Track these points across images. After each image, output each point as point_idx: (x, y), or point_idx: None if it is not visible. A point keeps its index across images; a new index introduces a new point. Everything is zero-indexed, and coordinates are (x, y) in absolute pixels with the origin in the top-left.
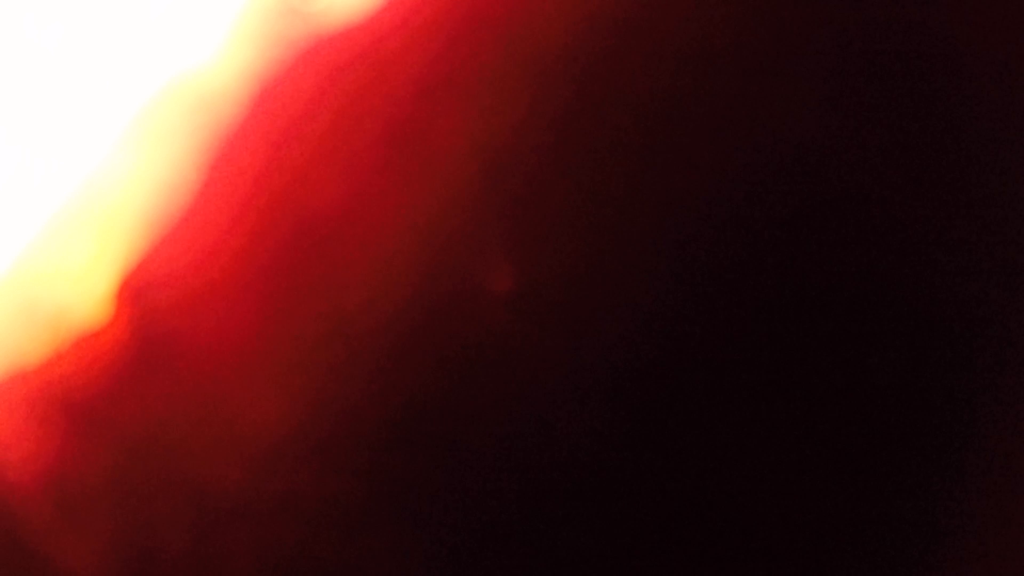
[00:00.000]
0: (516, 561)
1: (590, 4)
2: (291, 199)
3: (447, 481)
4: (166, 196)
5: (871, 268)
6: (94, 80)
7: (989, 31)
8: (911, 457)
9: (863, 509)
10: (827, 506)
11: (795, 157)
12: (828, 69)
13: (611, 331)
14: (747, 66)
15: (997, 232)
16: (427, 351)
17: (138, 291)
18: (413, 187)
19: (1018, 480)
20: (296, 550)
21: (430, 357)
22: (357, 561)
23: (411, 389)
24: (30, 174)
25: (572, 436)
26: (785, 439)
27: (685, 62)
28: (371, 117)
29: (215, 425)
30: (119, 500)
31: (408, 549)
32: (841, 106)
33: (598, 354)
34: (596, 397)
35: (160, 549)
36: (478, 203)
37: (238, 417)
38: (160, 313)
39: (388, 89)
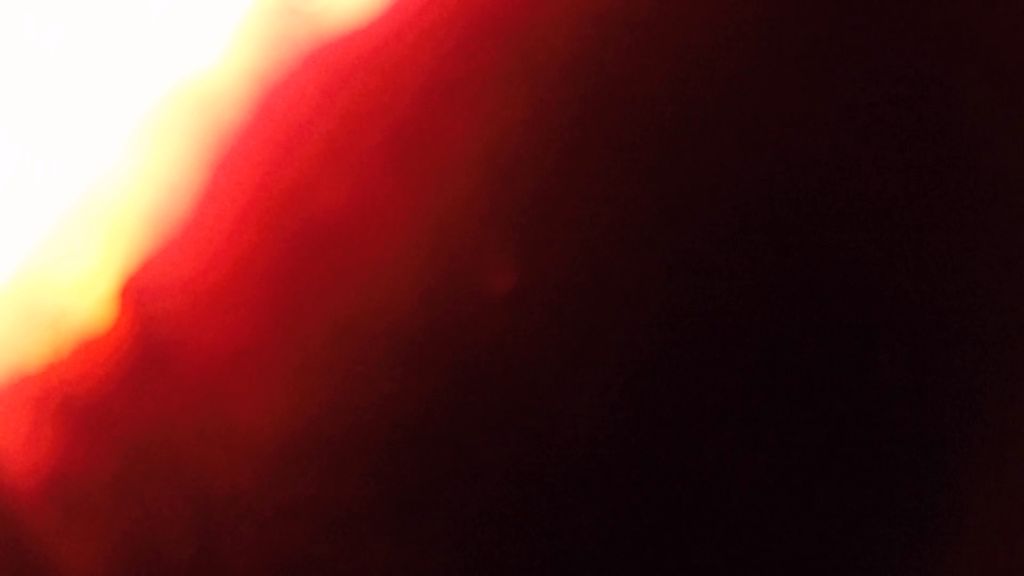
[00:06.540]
0: (522, 564)
1: (600, 8)
2: (296, 202)
3: (453, 485)
4: (169, 199)
5: (877, 271)
6: (96, 82)
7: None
8: (917, 458)
9: (867, 507)
10: (831, 505)
11: (803, 162)
12: (841, 75)
13: (620, 337)
14: (760, 72)
15: (1000, 235)
16: (434, 355)
17: (141, 294)
18: (420, 190)
19: (1017, 480)
20: (301, 554)
21: (437, 361)
22: (362, 565)
23: (417, 394)
24: (32, 177)
25: (580, 441)
26: (790, 440)
27: (696, 67)
28: (377, 120)
29: (219, 429)
30: (122, 504)
31: (413, 553)
32: (856, 115)
33: (607, 360)
34: (605, 403)
35: (163, 553)
36: (486, 207)
37: (242, 421)
38: (164, 316)
39: (394, 92)
